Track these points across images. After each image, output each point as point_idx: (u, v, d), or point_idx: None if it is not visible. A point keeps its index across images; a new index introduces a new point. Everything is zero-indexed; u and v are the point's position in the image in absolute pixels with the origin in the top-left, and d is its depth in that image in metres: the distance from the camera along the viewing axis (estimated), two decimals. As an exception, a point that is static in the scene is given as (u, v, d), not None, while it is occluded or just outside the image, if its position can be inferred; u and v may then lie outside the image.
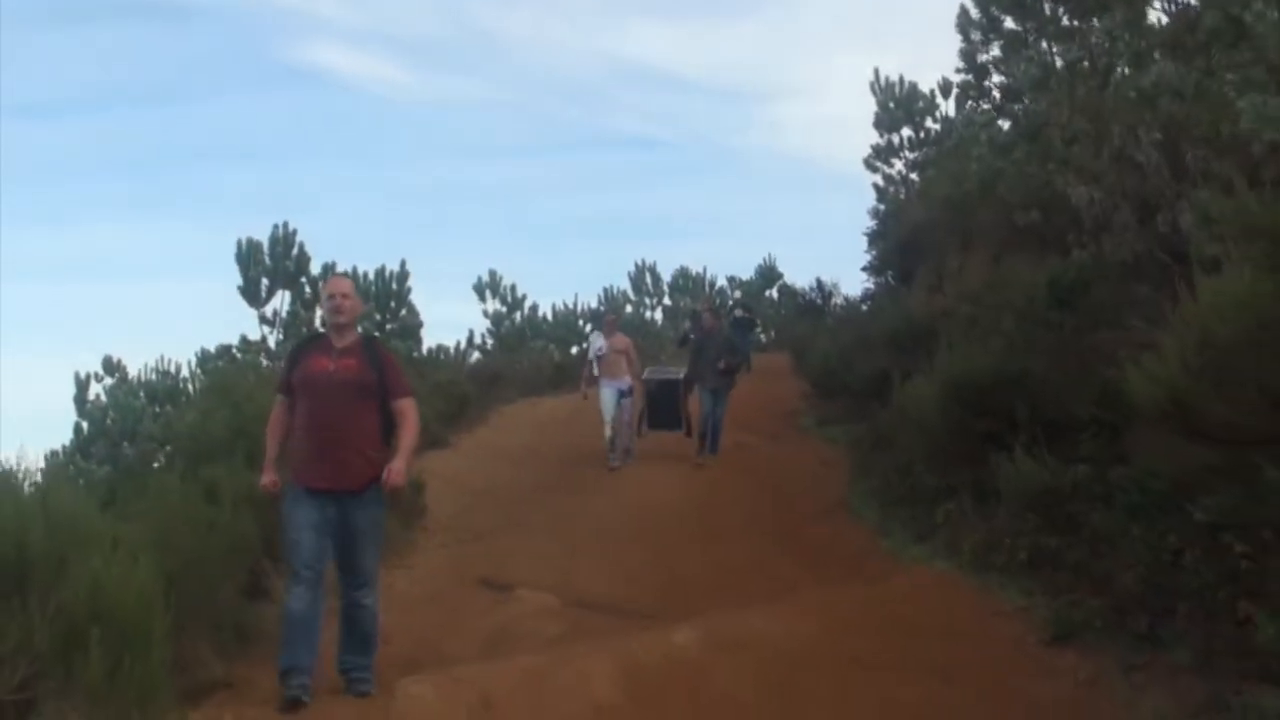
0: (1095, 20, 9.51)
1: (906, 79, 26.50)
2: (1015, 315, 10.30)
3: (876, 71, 26.83)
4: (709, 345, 15.74)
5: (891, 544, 9.75)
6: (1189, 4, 8.70)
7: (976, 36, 13.95)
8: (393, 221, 74.65)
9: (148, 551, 5.75)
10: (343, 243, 69.34)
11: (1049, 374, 8.75)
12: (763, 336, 34.03)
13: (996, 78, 13.67)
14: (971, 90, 14.93)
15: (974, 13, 13.88)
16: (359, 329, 6.82)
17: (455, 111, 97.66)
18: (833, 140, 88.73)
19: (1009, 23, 12.87)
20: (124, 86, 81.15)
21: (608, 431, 15.00)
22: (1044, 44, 11.29)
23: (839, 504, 11.81)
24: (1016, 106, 10.96)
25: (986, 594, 7.65)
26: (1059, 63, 9.69)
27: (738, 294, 37.16)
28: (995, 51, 13.71)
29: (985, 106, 12.93)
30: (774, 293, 38.96)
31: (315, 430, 6.34)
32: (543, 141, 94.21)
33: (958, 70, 15.01)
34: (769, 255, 40.08)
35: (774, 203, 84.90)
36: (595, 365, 15.53)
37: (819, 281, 32.04)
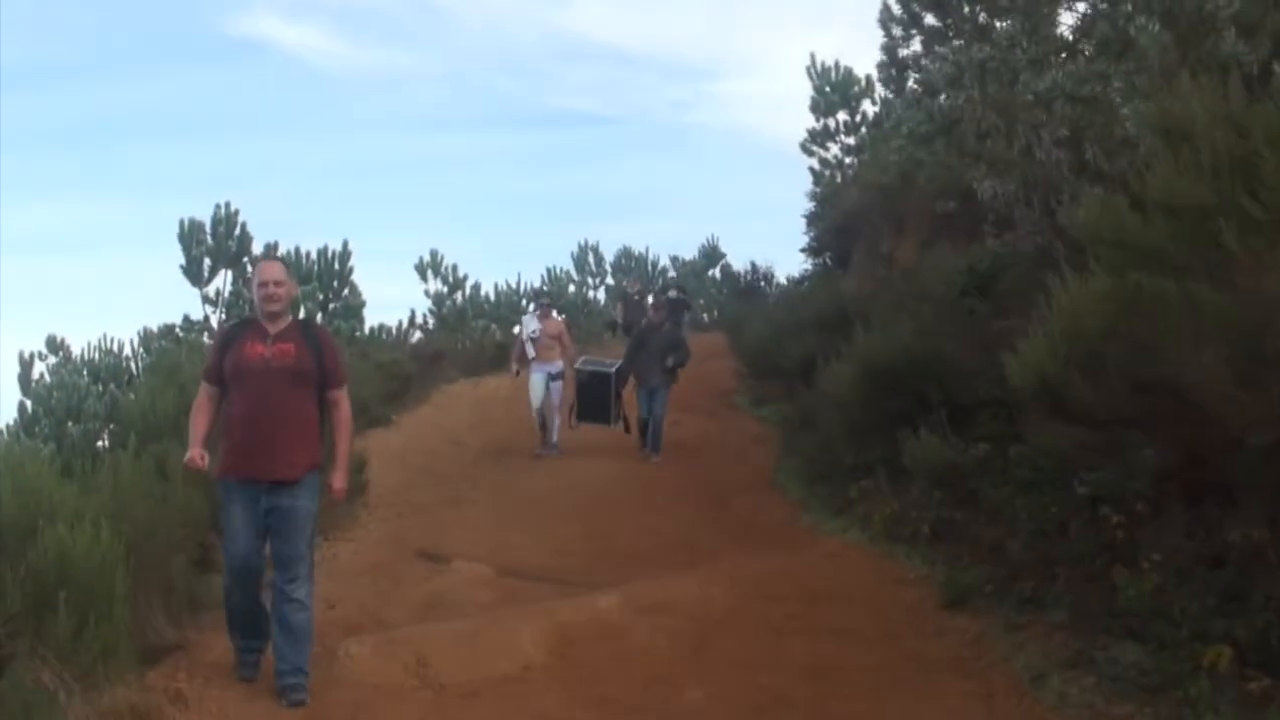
0: (999, 23, 10.01)
1: (843, 63, 26.83)
2: (931, 301, 10.87)
3: (813, 56, 27.20)
4: (652, 339, 14.83)
5: (811, 517, 10.32)
6: (1085, 13, 9.24)
7: (898, 32, 14.32)
8: (335, 197, 73.90)
9: (107, 522, 6.20)
10: (285, 219, 68.42)
11: (958, 357, 9.31)
12: (705, 316, 34.25)
13: (916, 73, 14.09)
14: (892, 85, 15.36)
15: (895, 8, 14.33)
16: (297, 313, 6.69)
17: (398, 85, 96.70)
18: (780, 118, 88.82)
19: (930, 19, 13.34)
20: (60, 59, 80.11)
21: (535, 418, 14.97)
22: (959, 41, 11.74)
23: (765, 480, 12.37)
24: (934, 101, 11.42)
25: (893, 563, 8.24)
26: (973, 59, 10.17)
27: (671, 275, 37.09)
28: (916, 47, 14.20)
29: (916, 87, 13.29)
30: (716, 273, 38.63)
31: (252, 420, 6.07)
32: (487, 117, 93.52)
33: (880, 65, 15.52)
34: (712, 235, 39.70)
35: (720, 181, 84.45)
36: (529, 347, 15.17)
37: (753, 264, 32.72)
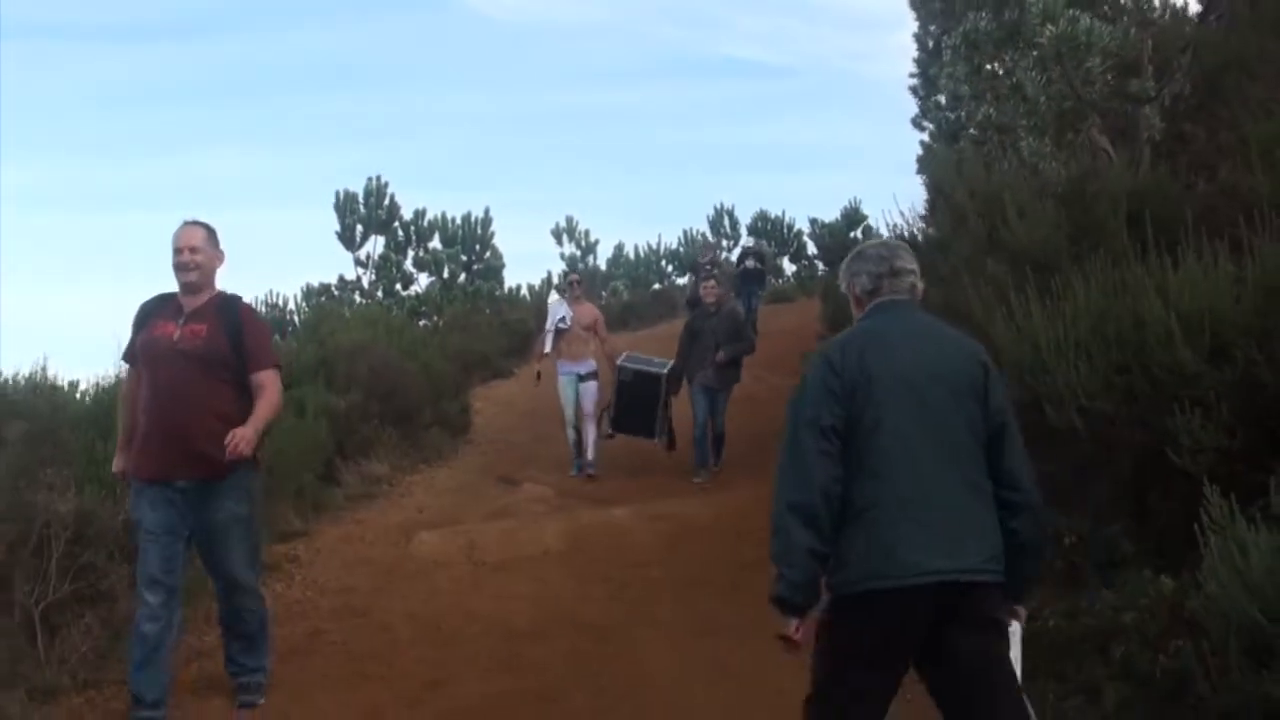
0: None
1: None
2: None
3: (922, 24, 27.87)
4: (706, 327, 12.06)
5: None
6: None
7: (933, 28, 15.46)
8: (489, 149, 74.18)
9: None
10: (438, 173, 68.30)
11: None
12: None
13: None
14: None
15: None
16: (217, 288, 5.78)
17: (567, 37, 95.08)
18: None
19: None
20: (227, 9, 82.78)
21: (570, 434, 12.47)
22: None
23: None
24: (944, 114, 13.21)
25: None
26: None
27: (748, 241, 34.14)
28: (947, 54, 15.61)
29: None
30: (859, 234, 35.12)
31: (158, 411, 5.44)
32: (652, 68, 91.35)
33: (918, 60, 16.79)
34: (854, 197, 37.12)
35: (887, 136, 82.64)
36: (549, 340, 12.45)
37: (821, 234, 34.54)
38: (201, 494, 5.38)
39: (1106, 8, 10.42)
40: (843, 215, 36.91)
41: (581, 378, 12.18)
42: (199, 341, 5.43)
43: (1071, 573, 6.08)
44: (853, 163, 74.69)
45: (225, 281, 5.72)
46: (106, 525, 6.61)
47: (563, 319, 12.29)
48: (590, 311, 12.58)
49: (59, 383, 9.06)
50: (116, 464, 5.72)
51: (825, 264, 35.81)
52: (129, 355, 5.73)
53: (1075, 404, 5.51)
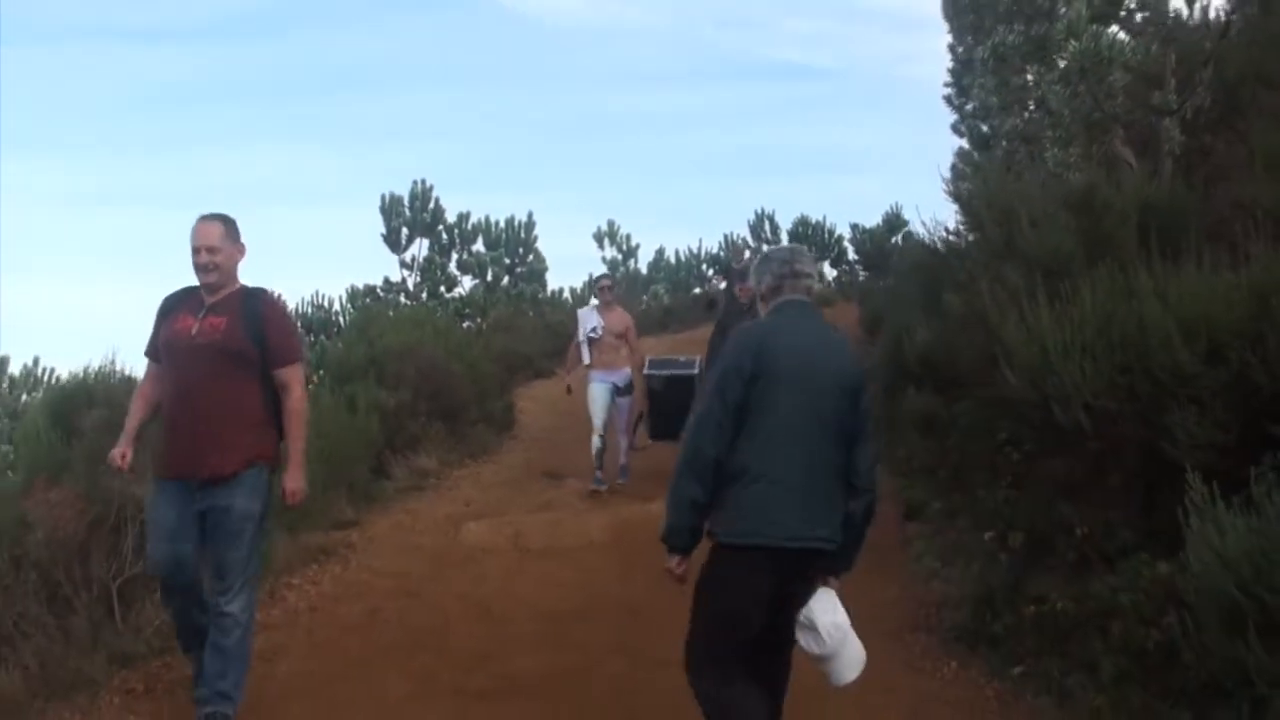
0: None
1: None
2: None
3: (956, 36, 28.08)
4: (736, 327, 10.10)
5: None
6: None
7: (969, 39, 15.77)
8: (536, 151, 74.47)
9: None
10: (484, 175, 67.95)
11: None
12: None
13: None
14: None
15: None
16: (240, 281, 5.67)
17: (622, 39, 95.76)
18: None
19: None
20: (270, 9, 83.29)
21: (595, 441, 11.72)
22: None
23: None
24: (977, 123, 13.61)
25: (893, 490, 10.72)
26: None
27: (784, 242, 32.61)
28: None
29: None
30: (899, 240, 34.56)
31: (178, 406, 5.42)
32: (702, 71, 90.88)
33: (952, 71, 17.07)
34: (895, 203, 36.83)
35: (929, 139, 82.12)
36: (586, 349, 11.95)
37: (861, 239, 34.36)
38: (215, 490, 5.32)
39: (1133, 20, 10.80)
40: (884, 220, 36.46)
41: (619, 390, 11.87)
42: (216, 335, 5.37)
43: (1081, 562, 6.48)
44: (895, 167, 73.88)
45: (273, 281, 6.01)
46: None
47: (594, 329, 11.85)
48: (622, 319, 12.09)
49: (129, 373, 9.52)
50: (116, 450, 5.49)
51: (865, 269, 35.98)
52: (150, 350, 5.67)
53: (1081, 402, 5.92)
